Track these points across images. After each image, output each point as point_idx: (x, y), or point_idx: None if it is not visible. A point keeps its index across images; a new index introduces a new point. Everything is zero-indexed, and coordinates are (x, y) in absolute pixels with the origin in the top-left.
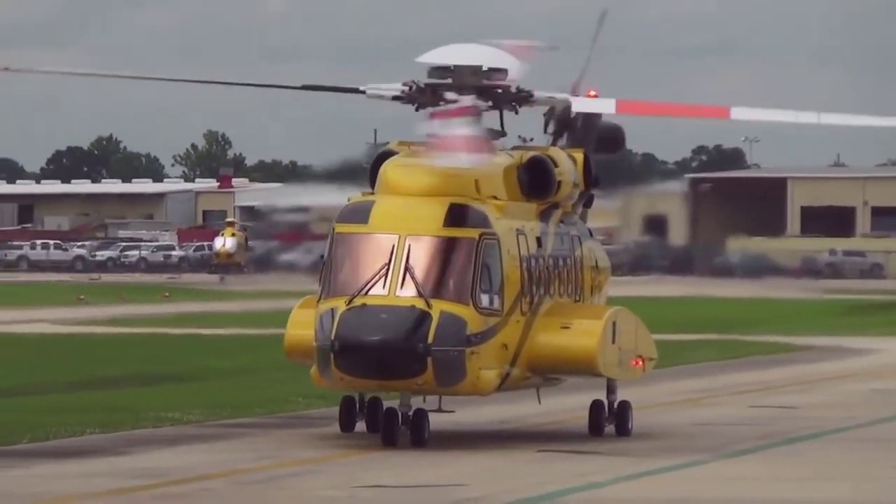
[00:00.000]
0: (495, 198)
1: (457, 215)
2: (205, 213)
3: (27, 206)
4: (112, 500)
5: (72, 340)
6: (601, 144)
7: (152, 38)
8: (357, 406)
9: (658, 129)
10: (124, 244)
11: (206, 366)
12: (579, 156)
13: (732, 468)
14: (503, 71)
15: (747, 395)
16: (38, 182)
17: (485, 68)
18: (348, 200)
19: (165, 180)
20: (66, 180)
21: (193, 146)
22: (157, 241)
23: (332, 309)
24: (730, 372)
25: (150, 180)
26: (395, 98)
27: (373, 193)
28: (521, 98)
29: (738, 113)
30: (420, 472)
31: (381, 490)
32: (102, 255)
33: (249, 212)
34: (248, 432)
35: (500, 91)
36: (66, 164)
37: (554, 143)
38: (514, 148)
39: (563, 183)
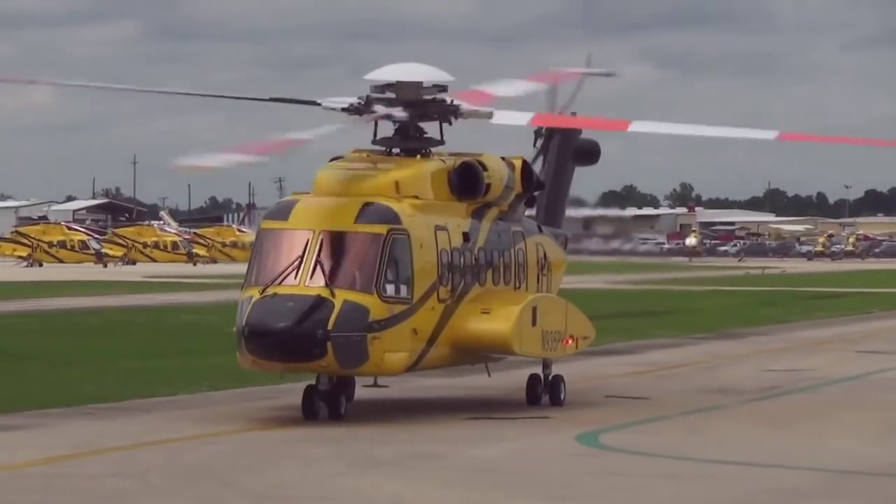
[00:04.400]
0: (416, 197)
1: (367, 213)
2: (680, 225)
3: None
4: None
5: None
6: (579, 157)
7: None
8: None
9: None
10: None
11: None
12: (518, 162)
13: None
14: (443, 87)
15: None
16: None
17: (426, 84)
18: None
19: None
20: None
21: None
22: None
23: (249, 297)
24: None
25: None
26: (345, 110)
27: (307, 193)
28: (451, 111)
29: (637, 126)
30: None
31: None
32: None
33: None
34: None
35: (433, 104)
36: None
37: (540, 155)
38: (452, 154)
39: (492, 185)
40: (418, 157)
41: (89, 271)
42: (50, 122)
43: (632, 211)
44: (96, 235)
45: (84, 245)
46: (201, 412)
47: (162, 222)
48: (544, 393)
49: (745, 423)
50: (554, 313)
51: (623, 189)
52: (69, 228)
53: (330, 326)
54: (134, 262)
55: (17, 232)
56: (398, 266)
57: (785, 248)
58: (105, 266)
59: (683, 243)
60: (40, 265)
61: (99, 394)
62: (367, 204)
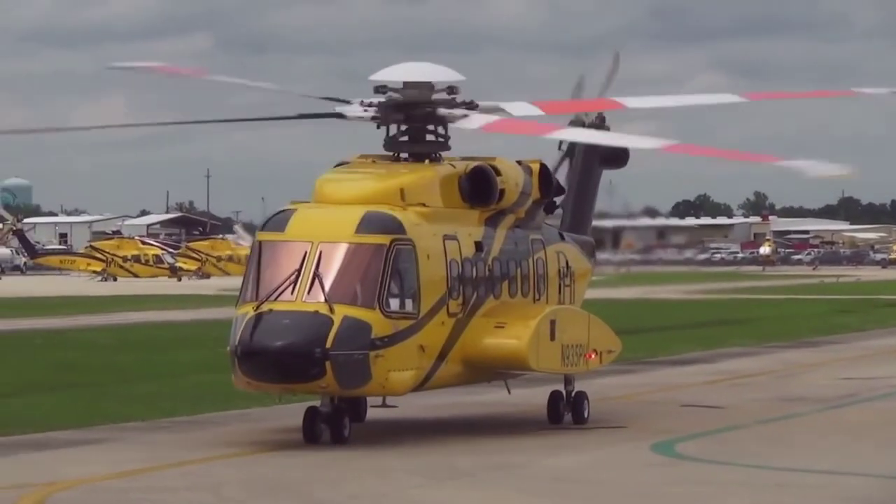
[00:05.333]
0: (423, 205)
1: (369, 222)
2: (754, 234)
3: None
4: None
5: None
6: (607, 160)
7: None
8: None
9: None
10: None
11: None
12: (535, 166)
13: None
14: (455, 87)
15: None
16: None
17: (436, 86)
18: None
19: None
20: None
21: None
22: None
23: (244, 315)
24: None
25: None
26: (374, 119)
27: (305, 202)
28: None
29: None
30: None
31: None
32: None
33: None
34: None
35: (428, 108)
36: None
37: (565, 159)
38: (464, 158)
39: (506, 191)
40: (427, 161)
41: (163, 285)
42: (124, 137)
43: (705, 220)
44: (170, 250)
45: (158, 259)
46: (275, 424)
47: (236, 236)
48: (566, 410)
49: (821, 432)
50: (575, 326)
51: (696, 198)
52: (143, 243)
53: (328, 344)
54: (208, 276)
55: (91, 247)
56: (403, 279)
57: (859, 256)
58: (179, 280)
59: (757, 252)
60: (114, 280)
61: (174, 407)
62: (368, 213)
